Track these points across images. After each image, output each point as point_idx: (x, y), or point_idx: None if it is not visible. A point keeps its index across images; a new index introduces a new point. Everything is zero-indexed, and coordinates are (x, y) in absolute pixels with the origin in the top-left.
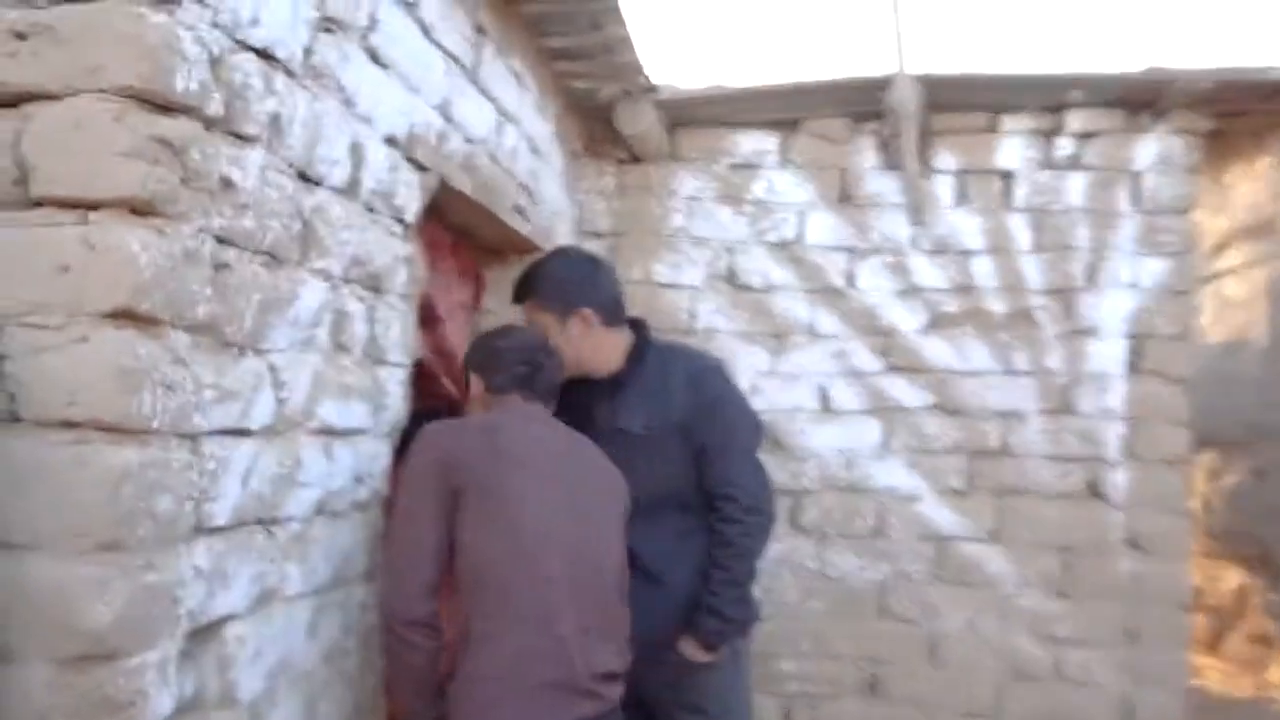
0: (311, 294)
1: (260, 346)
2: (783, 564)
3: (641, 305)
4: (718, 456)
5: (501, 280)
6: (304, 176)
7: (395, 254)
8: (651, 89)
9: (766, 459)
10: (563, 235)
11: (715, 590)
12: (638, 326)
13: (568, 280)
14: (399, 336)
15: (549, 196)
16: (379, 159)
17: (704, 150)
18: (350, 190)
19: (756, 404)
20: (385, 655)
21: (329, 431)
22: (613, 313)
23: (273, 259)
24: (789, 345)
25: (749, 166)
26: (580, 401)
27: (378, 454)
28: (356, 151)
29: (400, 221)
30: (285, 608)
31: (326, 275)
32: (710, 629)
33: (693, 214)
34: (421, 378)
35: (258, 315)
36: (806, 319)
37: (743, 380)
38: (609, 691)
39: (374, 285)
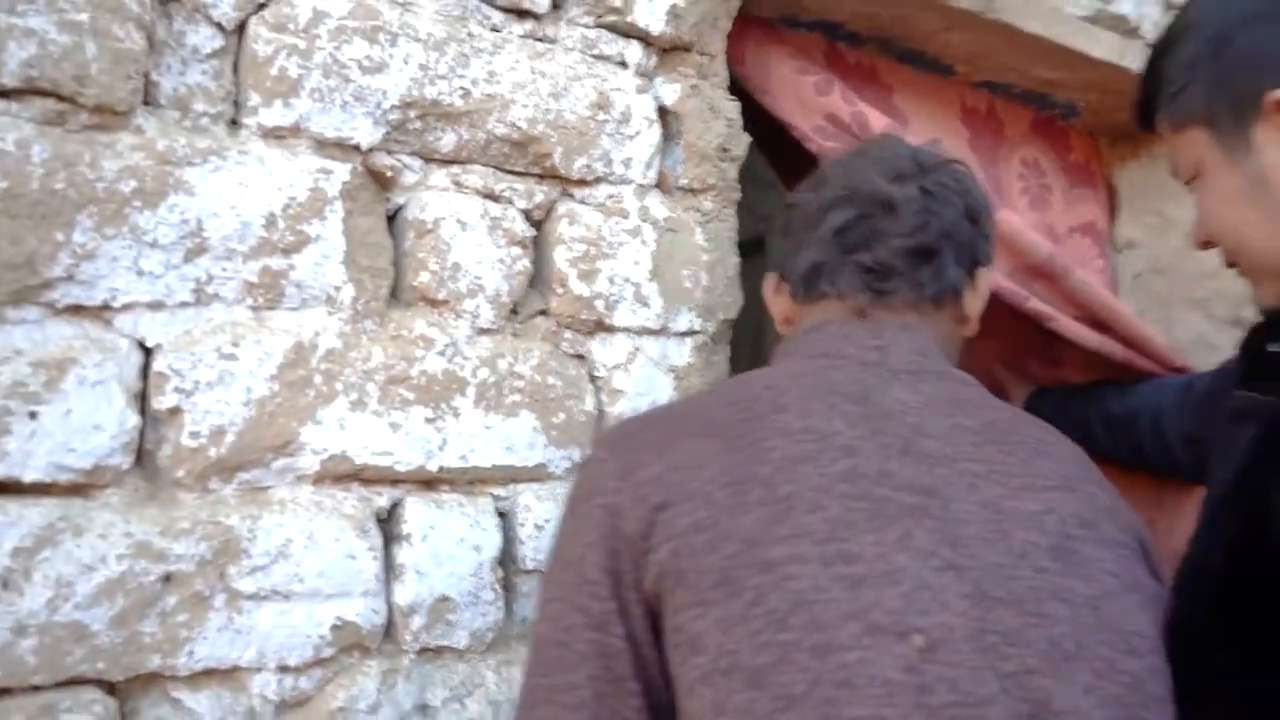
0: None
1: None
2: None
3: None
4: None
5: (1143, 184)
6: None
7: (618, 102)
8: None
9: None
10: None
11: None
12: None
13: (1237, 42)
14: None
15: None
16: None
17: None
18: None
19: None
20: None
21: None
22: None
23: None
24: None
25: None
26: None
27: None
28: None
29: (641, 41)
30: None
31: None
32: None
33: None
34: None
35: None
36: None
37: None
38: None
39: (540, 168)
